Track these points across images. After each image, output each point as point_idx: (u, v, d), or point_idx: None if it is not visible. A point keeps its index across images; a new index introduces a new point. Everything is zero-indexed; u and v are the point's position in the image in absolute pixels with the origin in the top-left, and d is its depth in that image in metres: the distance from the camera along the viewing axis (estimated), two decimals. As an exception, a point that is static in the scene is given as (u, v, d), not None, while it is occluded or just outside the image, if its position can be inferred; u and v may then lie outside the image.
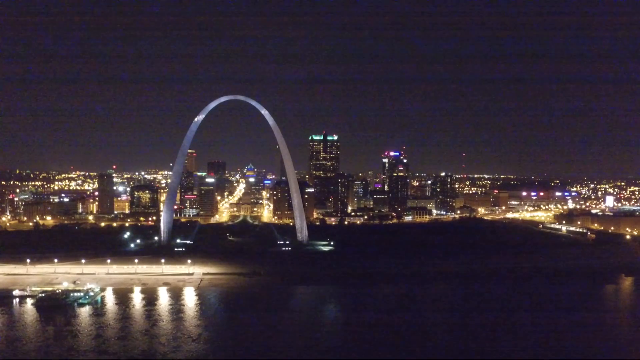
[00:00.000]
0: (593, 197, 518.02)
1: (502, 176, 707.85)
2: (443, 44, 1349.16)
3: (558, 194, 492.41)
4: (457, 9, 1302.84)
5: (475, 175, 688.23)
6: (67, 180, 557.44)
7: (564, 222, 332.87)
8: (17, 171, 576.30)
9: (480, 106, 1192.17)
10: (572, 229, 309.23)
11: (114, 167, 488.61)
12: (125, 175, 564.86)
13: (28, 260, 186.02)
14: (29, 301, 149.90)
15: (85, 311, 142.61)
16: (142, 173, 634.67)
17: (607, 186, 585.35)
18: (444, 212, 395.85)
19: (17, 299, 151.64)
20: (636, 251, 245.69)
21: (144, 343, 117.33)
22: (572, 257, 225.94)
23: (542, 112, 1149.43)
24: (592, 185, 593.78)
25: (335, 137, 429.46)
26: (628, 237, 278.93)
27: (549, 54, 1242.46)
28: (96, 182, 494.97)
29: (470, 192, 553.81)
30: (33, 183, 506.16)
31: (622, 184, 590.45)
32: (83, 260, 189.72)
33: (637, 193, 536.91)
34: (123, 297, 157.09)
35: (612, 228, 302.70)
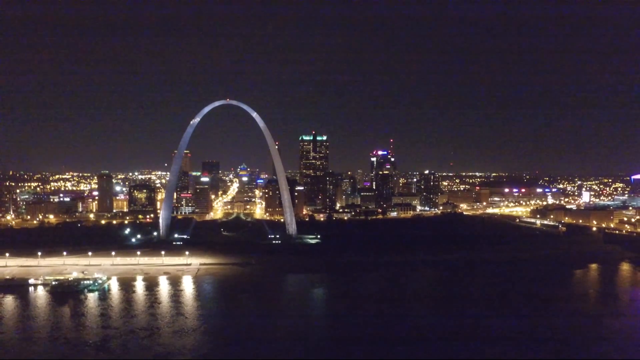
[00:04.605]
0: (577, 193, 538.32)
1: (493, 174, 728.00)
2: (437, 44, 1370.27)
3: (539, 190, 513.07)
4: (444, 8, 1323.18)
5: (469, 173, 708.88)
6: (61, 181, 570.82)
7: (538, 216, 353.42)
8: (11, 172, 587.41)
9: (475, 105, 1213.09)
10: (545, 222, 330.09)
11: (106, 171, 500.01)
12: (120, 176, 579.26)
13: (39, 254, 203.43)
14: (41, 288, 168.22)
15: (94, 296, 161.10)
16: (136, 173, 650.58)
17: (592, 183, 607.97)
18: (428, 208, 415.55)
19: (32, 287, 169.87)
20: (600, 241, 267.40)
21: (143, 320, 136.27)
22: (542, 247, 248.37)
23: (538, 111, 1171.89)
24: (578, 182, 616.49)
25: (325, 137, 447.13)
26: (594, 229, 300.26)
27: (547, 48, 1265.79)
28: (92, 183, 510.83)
29: (459, 189, 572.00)
30: (29, 184, 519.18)
31: (609, 180, 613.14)
32: (90, 253, 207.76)
33: (619, 189, 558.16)
34: (127, 284, 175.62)
35: (581, 221, 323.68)
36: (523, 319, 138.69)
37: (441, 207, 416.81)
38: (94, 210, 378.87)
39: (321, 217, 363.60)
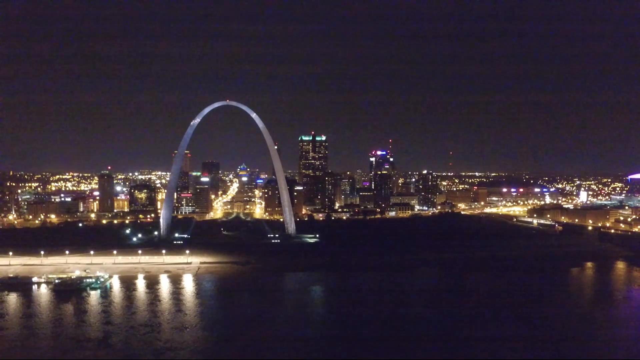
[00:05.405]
0: (575, 192, 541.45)
1: (492, 174, 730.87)
2: (437, 45, 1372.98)
3: (537, 190, 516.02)
4: (443, 10, 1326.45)
5: (468, 173, 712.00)
6: (62, 181, 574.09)
7: (535, 215, 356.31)
8: (11, 173, 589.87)
9: (475, 105, 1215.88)
10: (542, 221, 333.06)
11: (109, 167, 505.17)
12: (120, 176, 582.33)
13: (42, 252, 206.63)
14: (45, 286, 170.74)
15: (96, 294, 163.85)
16: (136, 173, 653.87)
17: (591, 183, 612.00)
18: (426, 208, 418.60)
19: (36, 285, 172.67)
20: (595, 240, 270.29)
21: (144, 316, 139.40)
22: (538, 246, 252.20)
23: (538, 111, 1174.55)
24: (577, 182, 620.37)
25: (324, 138, 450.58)
26: (590, 228, 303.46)
27: (547, 49, 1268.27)
28: (92, 183, 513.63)
29: (458, 189, 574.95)
30: (30, 184, 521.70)
31: (608, 180, 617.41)
32: (92, 252, 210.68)
33: (617, 189, 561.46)
34: (129, 282, 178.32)
35: (578, 220, 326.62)
36: (519, 317, 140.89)
37: (439, 207, 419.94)
38: (95, 210, 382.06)
39: (320, 216, 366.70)
